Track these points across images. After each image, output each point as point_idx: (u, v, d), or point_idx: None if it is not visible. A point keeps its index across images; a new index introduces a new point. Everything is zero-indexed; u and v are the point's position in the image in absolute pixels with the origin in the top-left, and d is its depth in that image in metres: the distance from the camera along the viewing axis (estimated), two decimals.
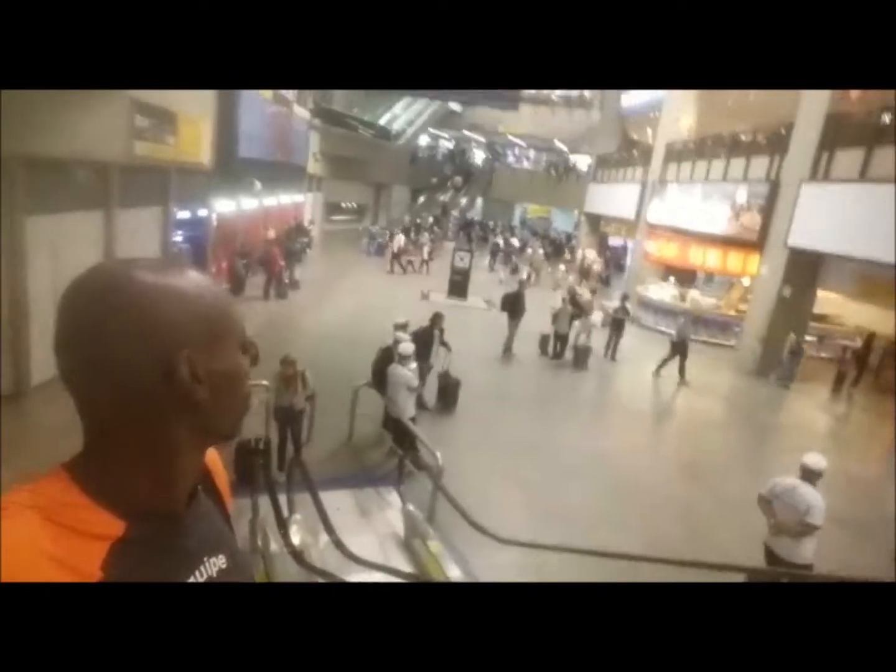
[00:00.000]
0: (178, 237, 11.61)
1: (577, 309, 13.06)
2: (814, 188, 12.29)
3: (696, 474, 8.19)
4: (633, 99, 25.67)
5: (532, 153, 43.93)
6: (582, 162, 36.44)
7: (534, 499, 6.77)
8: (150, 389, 0.67)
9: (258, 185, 14.86)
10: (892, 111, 10.80)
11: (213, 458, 0.92)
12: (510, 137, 41.16)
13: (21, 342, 7.06)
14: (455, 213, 37.32)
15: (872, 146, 10.78)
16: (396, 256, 21.51)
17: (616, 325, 13.40)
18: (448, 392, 8.99)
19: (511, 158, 43.62)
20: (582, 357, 12.49)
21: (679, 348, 12.30)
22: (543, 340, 13.03)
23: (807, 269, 13.01)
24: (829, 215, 11.80)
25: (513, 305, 12.41)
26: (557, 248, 31.32)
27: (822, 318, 16.18)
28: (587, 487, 7.24)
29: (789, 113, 13.14)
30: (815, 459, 4.88)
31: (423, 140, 39.74)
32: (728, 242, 15.62)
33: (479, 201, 42.32)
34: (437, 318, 8.96)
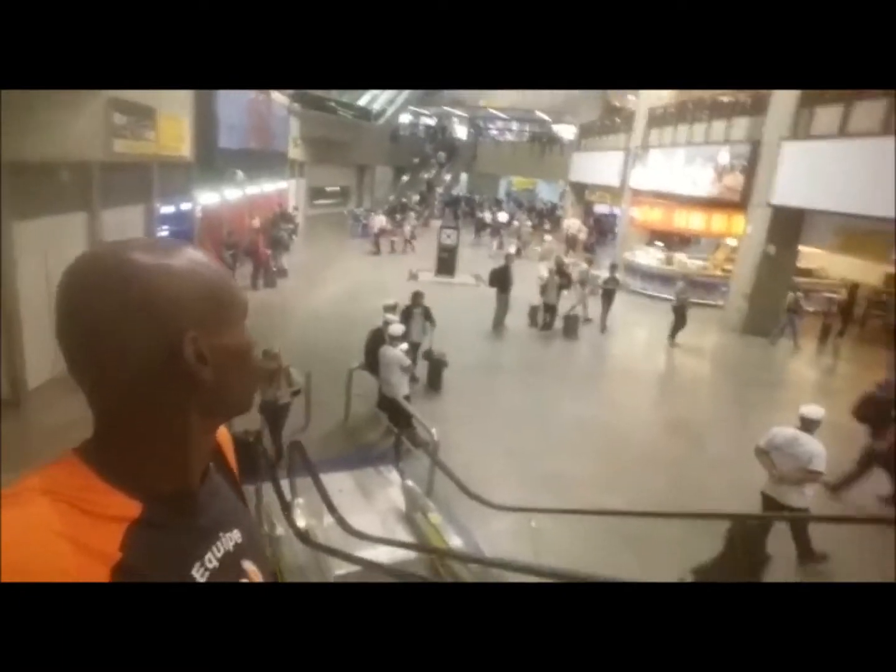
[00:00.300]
0: (164, 232, 11.62)
1: (565, 279, 13.18)
2: (795, 146, 12.37)
3: (684, 431, 8.41)
4: None
5: (515, 125, 43.66)
6: (566, 131, 36.26)
7: (528, 465, 6.97)
8: (156, 372, 0.67)
9: (240, 174, 14.82)
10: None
11: (223, 434, 0.92)
12: (492, 111, 40.83)
13: (15, 346, 7.15)
14: (440, 189, 37.10)
15: (851, 101, 10.84)
16: (378, 237, 21.48)
17: (606, 294, 13.39)
18: (432, 370, 8.93)
19: (494, 132, 43.37)
20: (572, 326, 12.67)
21: (678, 312, 12.45)
22: (533, 312, 13.18)
23: (790, 226, 13.15)
24: (810, 172, 11.91)
25: (501, 280, 12.52)
26: (542, 220, 31.29)
27: (807, 273, 16.38)
28: (578, 451, 7.46)
29: None
30: (813, 409, 5.10)
31: (405, 118, 39.35)
32: (712, 204, 15.74)
33: (464, 176, 42.10)
34: (416, 297, 9.03)
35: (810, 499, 5.07)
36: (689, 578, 3.49)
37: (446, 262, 17.33)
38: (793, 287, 13.35)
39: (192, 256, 0.71)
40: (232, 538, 0.82)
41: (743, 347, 13.14)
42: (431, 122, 43.54)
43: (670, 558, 4.93)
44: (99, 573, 0.62)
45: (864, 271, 15.07)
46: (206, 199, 13.65)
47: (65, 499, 0.64)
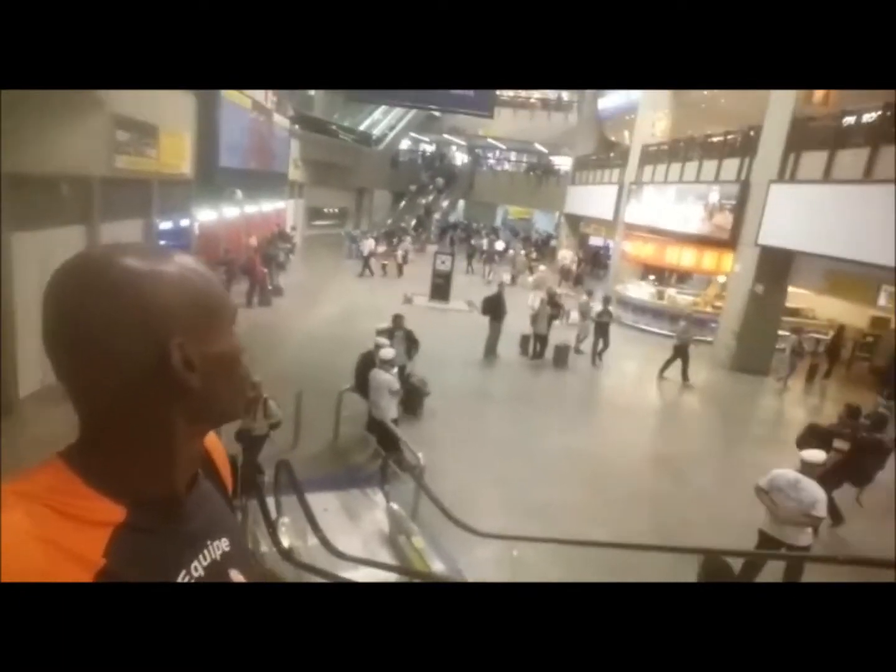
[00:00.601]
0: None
1: (556, 309, 13.33)
2: (782, 188, 12.68)
3: (669, 465, 8.49)
4: (609, 102, 26.09)
5: (513, 155, 44.36)
6: (562, 163, 36.88)
7: (512, 495, 7.01)
8: (142, 377, 0.66)
9: (239, 193, 14.99)
10: (853, 114, 11.23)
11: (213, 441, 0.91)
12: (490, 140, 41.50)
13: (10, 356, 7.17)
14: (437, 215, 37.51)
15: (835, 148, 11.17)
16: (367, 259, 21.59)
17: (600, 328, 13.33)
18: (409, 396, 8.45)
19: (492, 161, 44.02)
20: (562, 356, 12.79)
21: (681, 351, 12.48)
22: (524, 341, 13.31)
23: (778, 266, 13.40)
24: (796, 214, 12.19)
25: (494, 308, 12.66)
26: (537, 249, 31.68)
27: (795, 313, 16.64)
28: (564, 481, 7.51)
29: (759, 114, 13.53)
30: (815, 454, 5.29)
31: (405, 144, 39.94)
32: (703, 241, 16.02)
33: (462, 203, 42.62)
34: (396, 320, 9.07)
35: (810, 538, 5.18)
36: None
37: (441, 288, 17.51)
38: (795, 329, 13.56)
39: (181, 262, 0.70)
40: (219, 546, 0.81)
41: (731, 384, 13.29)
42: (430, 148, 44.21)
43: None
44: (81, 579, 0.62)
45: (850, 313, 15.33)
46: (205, 216, 13.78)
47: (47, 503, 0.63)
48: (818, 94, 12.72)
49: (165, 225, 11.56)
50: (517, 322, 13.32)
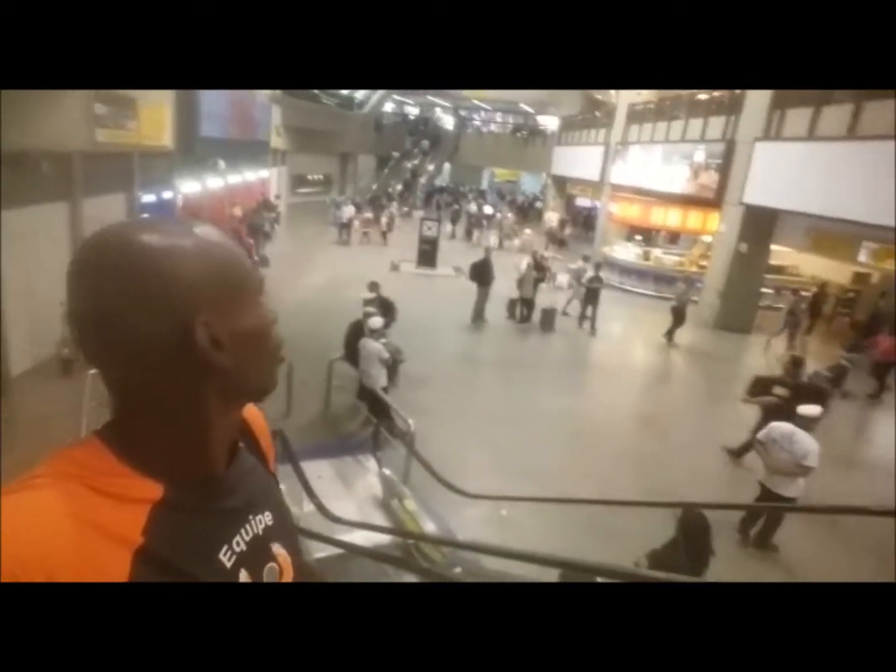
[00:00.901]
0: None
1: (542, 273, 13.42)
2: (767, 147, 12.71)
3: (653, 425, 8.74)
4: None
5: (498, 116, 43.75)
6: (550, 123, 36.43)
7: (500, 457, 7.23)
8: (168, 357, 0.65)
9: (222, 164, 14.82)
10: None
11: (254, 413, 0.91)
12: (475, 101, 40.85)
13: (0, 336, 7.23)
14: (423, 180, 37.15)
15: (819, 105, 11.18)
16: (346, 226, 21.34)
17: (591, 294, 13.00)
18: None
19: (477, 122, 43.41)
20: (549, 320, 12.95)
21: (677, 312, 12.56)
22: (511, 305, 13.42)
23: (762, 225, 13.52)
24: (781, 173, 12.25)
25: (481, 274, 12.74)
26: (522, 213, 31.56)
27: (779, 270, 16.84)
28: (549, 444, 7.73)
29: None
30: (811, 408, 5.52)
31: (388, 107, 39.27)
32: (688, 201, 16.08)
33: (447, 167, 42.17)
34: (372, 287, 8.99)
35: (801, 488, 5.46)
36: (643, 562, 3.75)
37: (428, 254, 17.52)
38: (794, 291, 13.71)
39: (203, 235, 0.69)
40: (262, 520, 0.81)
41: (714, 342, 13.53)
42: (415, 110, 43.48)
43: (635, 545, 5.21)
44: (120, 557, 0.62)
45: (834, 270, 15.54)
46: (188, 187, 13.66)
47: (85, 482, 0.63)
48: None
49: (148, 198, 11.47)
50: (504, 286, 13.42)
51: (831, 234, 11.63)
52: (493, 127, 42.28)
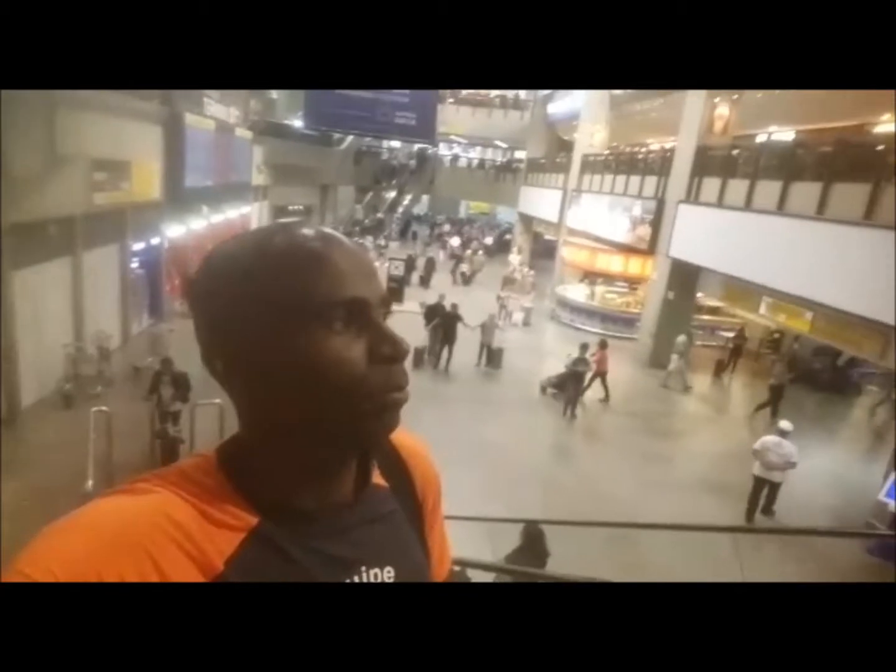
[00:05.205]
0: (135, 264, 13.10)
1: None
2: (687, 208, 14.48)
3: (565, 452, 10.23)
4: (558, 108, 27.64)
5: (475, 151, 45.52)
6: (522, 160, 38.21)
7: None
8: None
9: (205, 209, 16.28)
10: (741, 149, 13.04)
11: (418, 452, 0.88)
12: (452, 137, 42.64)
13: (12, 372, 8.59)
14: (399, 212, 38.74)
15: (725, 177, 12.96)
16: None
17: (576, 378, 11.86)
18: None
19: (450, 157, 45.11)
20: (496, 357, 14.46)
21: (775, 390, 12.88)
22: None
23: (687, 276, 15.21)
24: (698, 233, 14.02)
25: (435, 316, 14.25)
26: (497, 243, 33.25)
27: (715, 311, 18.63)
28: (472, 470, 9.15)
29: None
30: (787, 424, 8.22)
31: (367, 140, 40.84)
32: (629, 250, 17.86)
33: (425, 198, 43.85)
34: (165, 364, 8.73)
35: (783, 476, 8.21)
36: (502, 562, 5.18)
37: (395, 291, 19.07)
38: (681, 327, 15.30)
39: (325, 241, 0.63)
40: (378, 575, 0.72)
41: (644, 378, 15.17)
42: (394, 144, 45.09)
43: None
44: (192, 578, 0.58)
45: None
46: (173, 232, 15.09)
47: (188, 496, 0.61)
48: (718, 123, 14.47)
49: (138, 245, 12.90)
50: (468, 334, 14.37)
51: (740, 289, 13.30)
52: (464, 162, 43.78)
